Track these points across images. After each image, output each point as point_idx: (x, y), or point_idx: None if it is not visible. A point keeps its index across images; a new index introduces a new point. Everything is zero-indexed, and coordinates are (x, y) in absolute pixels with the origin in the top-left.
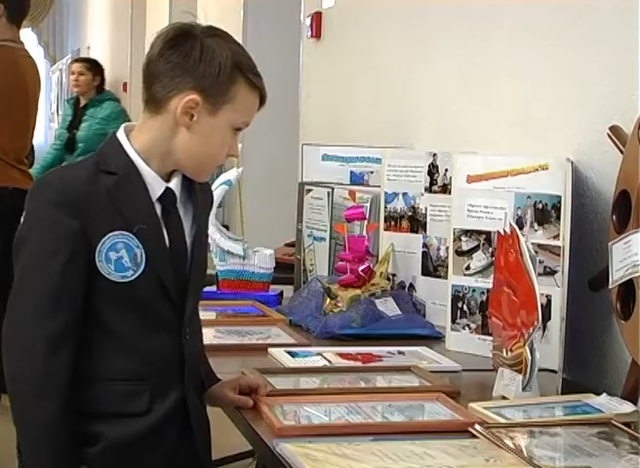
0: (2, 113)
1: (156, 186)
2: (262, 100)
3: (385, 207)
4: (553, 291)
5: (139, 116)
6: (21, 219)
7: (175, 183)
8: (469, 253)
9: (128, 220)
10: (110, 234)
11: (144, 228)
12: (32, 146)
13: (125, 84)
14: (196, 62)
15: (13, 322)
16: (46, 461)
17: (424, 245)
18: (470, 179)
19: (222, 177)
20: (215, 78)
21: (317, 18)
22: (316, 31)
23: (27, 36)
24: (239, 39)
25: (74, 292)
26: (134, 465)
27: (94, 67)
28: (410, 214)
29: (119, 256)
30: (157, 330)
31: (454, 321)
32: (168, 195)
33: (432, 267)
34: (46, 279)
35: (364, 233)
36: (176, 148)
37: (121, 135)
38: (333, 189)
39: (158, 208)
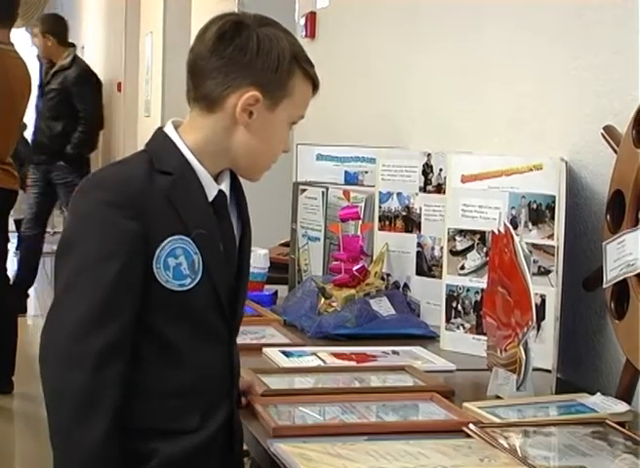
0: None
1: (210, 188)
2: (315, 89)
3: (380, 207)
4: (547, 290)
5: (137, 118)
6: (68, 221)
7: (225, 185)
8: (464, 252)
9: (186, 224)
10: (170, 239)
11: (202, 233)
12: (27, 145)
13: (119, 84)
14: (253, 56)
15: (57, 331)
16: None
17: (419, 244)
18: (465, 179)
19: None
20: (274, 72)
21: (311, 17)
22: (310, 31)
23: (20, 36)
24: None
25: (128, 301)
26: None
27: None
28: (404, 213)
29: (178, 263)
30: (210, 340)
31: (448, 321)
32: (220, 198)
33: (427, 267)
34: (98, 285)
35: (358, 233)
36: (233, 147)
37: (171, 131)
38: (327, 189)
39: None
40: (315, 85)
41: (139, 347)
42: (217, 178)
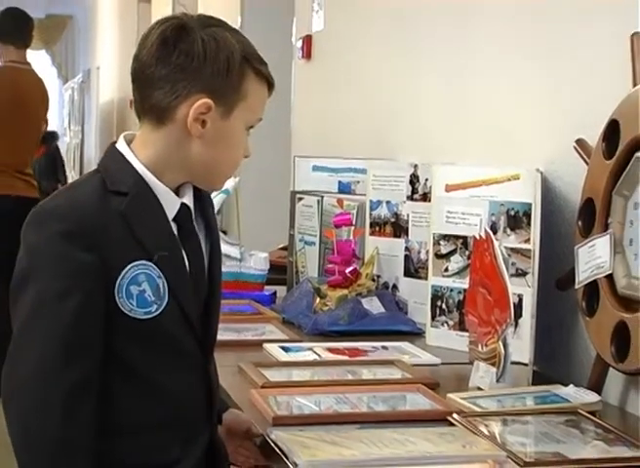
0: (7, 131)
1: (171, 204)
2: (270, 89)
3: (370, 214)
4: (524, 290)
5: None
6: (20, 254)
7: (189, 197)
8: (447, 256)
9: (146, 247)
10: (130, 265)
11: (164, 254)
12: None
13: (131, 101)
14: (201, 61)
15: (18, 378)
16: None
17: (406, 248)
18: (448, 188)
19: None
20: (224, 76)
21: (308, 40)
22: (307, 52)
23: (41, 57)
24: None
25: (92, 337)
26: None
27: None
28: (393, 220)
29: (141, 290)
30: (184, 366)
31: (433, 318)
32: (183, 212)
33: (414, 269)
34: (58, 325)
35: (351, 238)
36: (189, 159)
37: (122, 146)
38: (322, 197)
39: (174, 228)
40: (270, 84)
41: (109, 381)
42: (178, 191)
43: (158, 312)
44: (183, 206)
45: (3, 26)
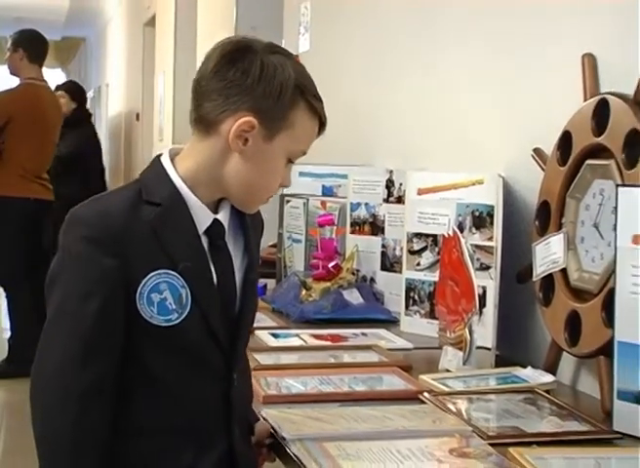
0: (23, 138)
1: (203, 218)
2: (322, 127)
3: (351, 214)
4: (488, 283)
5: (153, 142)
6: (56, 254)
7: (223, 214)
8: (419, 252)
9: (172, 257)
10: (153, 274)
11: (189, 265)
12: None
13: (138, 114)
14: (255, 81)
15: (40, 375)
16: None
17: (383, 245)
18: (420, 192)
19: None
20: (274, 100)
21: (295, 59)
22: None
23: (57, 75)
24: None
25: (111, 339)
26: None
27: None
28: (371, 220)
29: (162, 298)
30: (204, 377)
31: (407, 308)
32: (215, 227)
33: (389, 264)
34: (79, 324)
35: (333, 236)
36: (226, 175)
37: (165, 159)
38: (308, 200)
39: (205, 241)
40: (322, 122)
41: (127, 383)
42: (217, 207)
43: (179, 320)
44: (216, 221)
45: (32, 48)
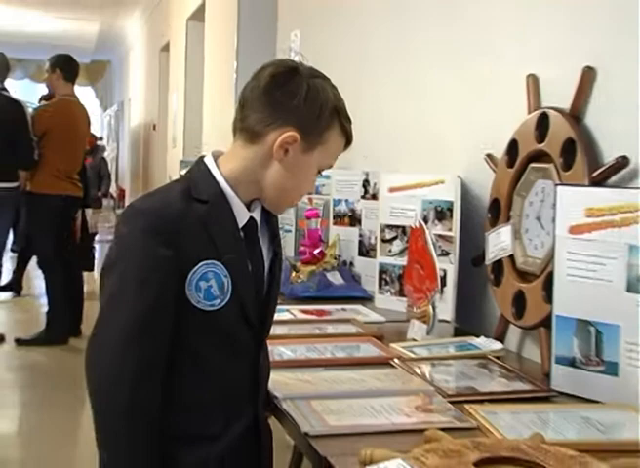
0: (58, 145)
1: (242, 215)
2: (348, 144)
3: (333, 209)
4: (448, 266)
5: (167, 148)
6: (112, 242)
7: (257, 212)
8: (391, 240)
9: (218, 249)
10: (202, 263)
11: (232, 257)
12: (84, 168)
13: (154, 125)
14: (301, 101)
15: (98, 349)
16: None
17: (360, 235)
18: (391, 190)
19: None
20: (315, 119)
21: None
22: None
23: (87, 92)
24: (232, 91)
25: (163, 322)
26: None
27: None
28: (350, 213)
29: (209, 286)
30: (237, 355)
31: (380, 287)
32: (251, 224)
33: (365, 250)
34: (135, 309)
35: (318, 227)
36: (264, 179)
37: (209, 161)
38: None
39: (242, 235)
40: (349, 140)
41: (172, 361)
42: (249, 206)
43: (221, 306)
44: (251, 218)
45: (67, 69)
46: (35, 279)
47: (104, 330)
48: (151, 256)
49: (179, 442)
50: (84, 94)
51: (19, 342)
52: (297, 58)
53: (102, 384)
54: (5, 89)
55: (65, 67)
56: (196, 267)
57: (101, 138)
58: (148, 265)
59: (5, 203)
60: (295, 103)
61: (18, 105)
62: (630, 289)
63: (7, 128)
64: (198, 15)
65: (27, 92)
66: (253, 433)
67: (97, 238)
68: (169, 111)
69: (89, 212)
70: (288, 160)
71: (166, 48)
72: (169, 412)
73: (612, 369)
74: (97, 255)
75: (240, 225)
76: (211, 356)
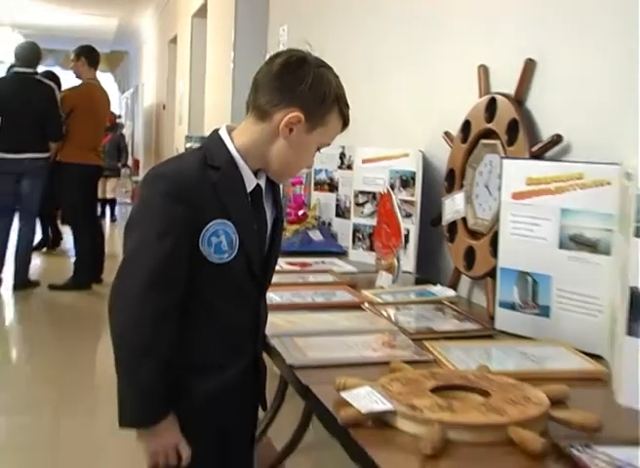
0: (82, 121)
1: (250, 181)
2: (344, 127)
3: (315, 177)
4: (411, 226)
5: (174, 125)
6: (135, 203)
7: (262, 180)
8: (363, 204)
9: (228, 210)
10: (213, 222)
11: (240, 217)
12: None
13: (164, 105)
14: (307, 87)
15: (122, 293)
16: (143, 411)
17: (337, 199)
18: (364, 161)
19: None
20: (319, 104)
21: None
22: None
23: (108, 77)
24: (229, 77)
25: (180, 271)
26: (222, 406)
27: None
28: (329, 181)
29: (219, 241)
30: (242, 303)
31: (353, 243)
32: (257, 190)
33: (341, 212)
34: (155, 258)
35: (302, 192)
36: (270, 152)
37: (224, 133)
38: None
39: (249, 199)
40: (346, 123)
41: (187, 306)
42: (256, 174)
43: (229, 259)
44: (257, 185)
45: (90, 57)
46: (64, 234)
47: (127, 279)
48: (169, 215)
49: (193, 372)
50: (105, 79)
51: (51, 287)
52: (305, 48)
53: (124, 325)
54: (37, 73)
55: (89, 56)
56: (208, 225)
57: (120, 117)
58: (167, 222)
59: (40, 170)
60: (301, 88)
61: (48, 87)
62: (562, 245)
63: (39, 106)
64: (201, 12)
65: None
66: (253, 368)
67: (117, 200)
68: (176, 94)
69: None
70: (292, 138)
71: (174, 40)
72: (183, 350)
73: (545, 311)
74: (117, 213)
75: (248, 190)
76: (220, 303)
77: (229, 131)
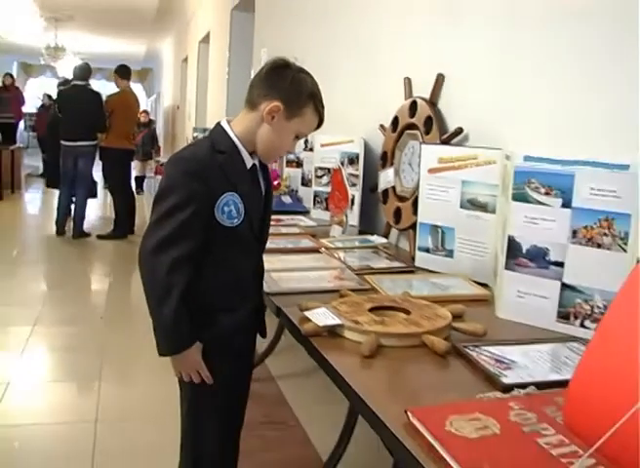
0: (119, 118)
1: (248, 161)
2: (320, 124)
3: (286, 157)
4: (356, 192)
5: (185, 122)
6: (162, 179)
7: (256, 161)
8: (321, 177)
9: (234, 184)
10: (225, 194)
11: (244, 189)
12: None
13: (178, 106)
14: (287, 84)
15: (146, 247)
16: (167, 344)
17: (302, 173)
18: (322, 146)
19: None
20: (296, 97)
21: None
22: None
23: (139, 87)
24: (224, 86)
25: (196, 230)
26: (239, 335)
27: None
28: (297, 160)
29: (230, 210)
30: (247, 258)
31: (314, 205)
32: (254, 167)
33: (306, 182)
34: (177, 221)
35: (277, 168)
36: (258, 137)
37: (225, 124)
38: None
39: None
40: (321, 120)
41: (205, 261)
42: (251, 156)
43: (238, 223)
44: (254, 164)
45: (124, 72)
46: (107, 197)
47: (150, 238)
48: (189, 189)
49: (216, 311)
50: (136, 88)
51: (98, 237)
52: (292, 60)
53: (148, 273)
54: (89, 84)
55: (124, 71)
56: (222, 196)
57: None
58: (188, 195)
59: (90, 153)
60: (282, 84)
61: (96, 94)
62: (462, 206)
63: (90, 108)
64: (206, 39)
65: (104, 87)
66: (257, 312)
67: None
68: (187, 98)
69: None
70: (274, 124)
71: (185, 60)
72: (204, 292)
73: (450, 253)
74: (145, 187)
75: (247, 167)
76: (230, 256)
77: (229, 122)
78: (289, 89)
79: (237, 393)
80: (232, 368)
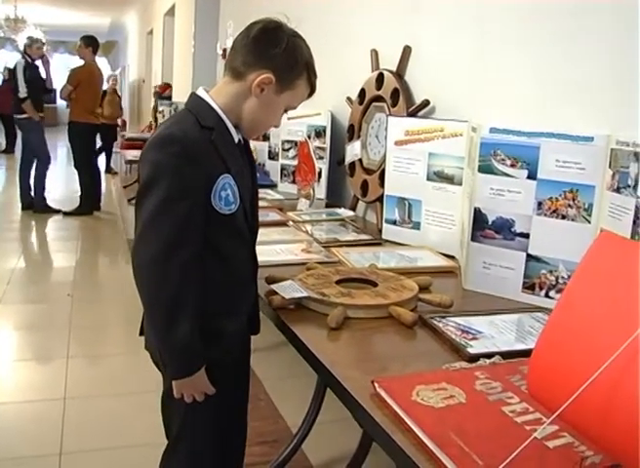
0: (84, 92)
1: (235, 136)
2: (311, 94)
3: None
4: (323, 165)
5: (151, 96)
6: (145, 169)
7: (240, 135)
8: (288, 149)
9: (227, 165)
10: (221, 177)
11: (236, 168)
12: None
13: (143, 80)
14: (280, 52)
15: (146, 253)
16: (178, 367)
17: (269, 146)
18: (289, 119)
19: None
20: (289, 68)
21: (224, 51)
22: (224, 55)
23: (103, 60)
24: (190, 59)
25: (198, 227)
26: (241, 343)
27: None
28: (264, 134)
29: (227, 194)
30: (243, 245)
31: (281, 178)
32: (240, 143)
33: (273, 156)
34: (175, 219)
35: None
36: (244, 110)
37: (204, 94)
38: None
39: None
40: (313, 90)
41: (204, 258)
42: (236, 130)
43: (235, 209)
44: (239, 140)
45: (90, 43)
46: (74, 175)
47: (149, 241)
48: (184, 175)
49: (222, 317)
50: (101, 61)
51: (64, 213)
52: (284, 20)
53: (154, 284)
54: (25, 57)
55: (90, 42)
56: (218, 180)
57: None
58: (183, 182)
59: (27, 124)
60: (275, 52)
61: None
62: (429, 178)
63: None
64: (171, 12)
65: (67, 61)
66: (254, 298)
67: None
68: (152, 71)
69: None
70: (262, 97)
71: (150, 32)
72: (208, 301)
73: (417, 226)
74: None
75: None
76: (228, 249)
77: (206, 91)
78: (282, 57)
79: (237, 407)
80: (235, 377)
